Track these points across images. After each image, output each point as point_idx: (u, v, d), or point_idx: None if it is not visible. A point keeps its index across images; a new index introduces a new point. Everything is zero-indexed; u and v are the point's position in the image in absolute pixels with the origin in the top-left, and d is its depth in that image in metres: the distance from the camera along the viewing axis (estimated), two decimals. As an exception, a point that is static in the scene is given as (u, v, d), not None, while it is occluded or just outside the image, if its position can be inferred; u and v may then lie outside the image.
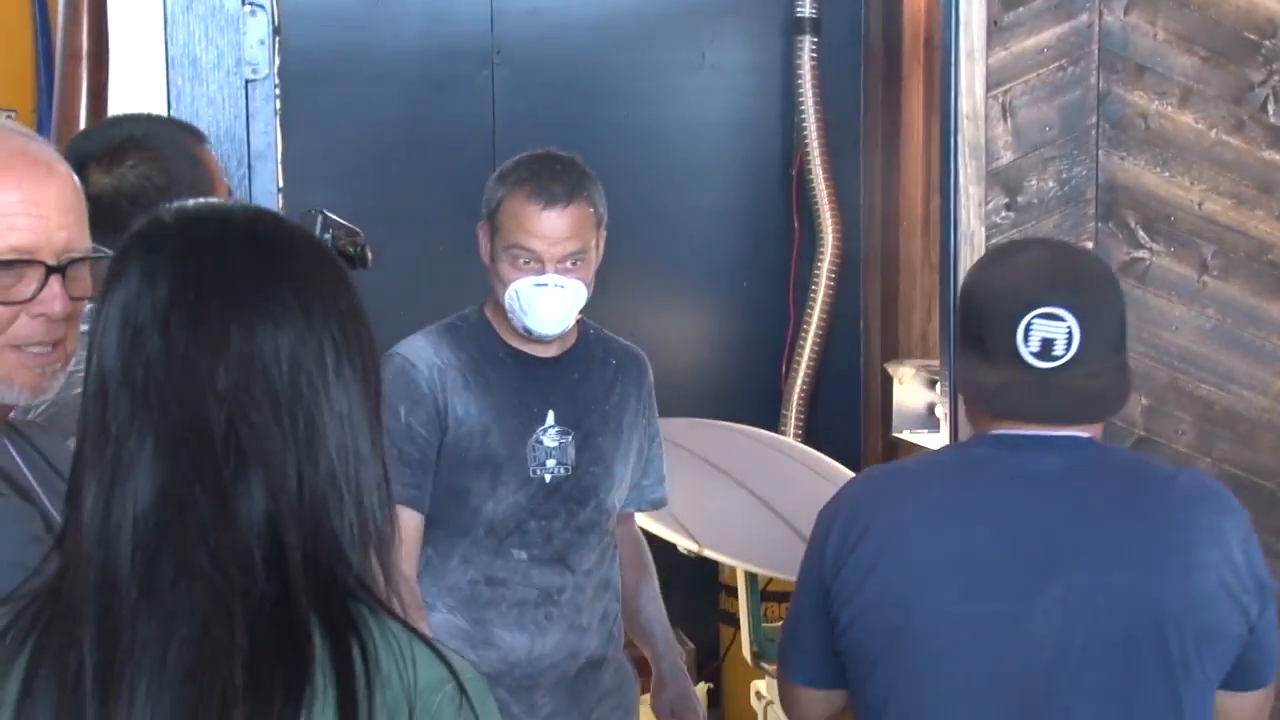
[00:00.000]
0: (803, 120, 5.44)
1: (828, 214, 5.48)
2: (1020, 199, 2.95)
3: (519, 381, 2.73)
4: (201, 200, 1.29)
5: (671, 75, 5.46)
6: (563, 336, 2.75)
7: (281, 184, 2.74)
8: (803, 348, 5.52)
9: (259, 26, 2.64)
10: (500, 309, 2.72)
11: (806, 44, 5.41)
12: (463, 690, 1.16)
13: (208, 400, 1.15)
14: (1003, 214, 2.94)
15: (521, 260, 2.64)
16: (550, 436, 2.71)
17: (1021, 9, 2.93)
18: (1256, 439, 3.00)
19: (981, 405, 2.04)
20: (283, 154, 2.76)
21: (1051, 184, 2.95)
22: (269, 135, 2.68)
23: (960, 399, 2.15)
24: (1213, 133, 2.98)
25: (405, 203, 5.24)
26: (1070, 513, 1.98)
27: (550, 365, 2.76)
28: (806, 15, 5.39)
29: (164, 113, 2.62)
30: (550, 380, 2.75)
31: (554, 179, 2.65)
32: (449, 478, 2.67)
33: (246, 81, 2.65)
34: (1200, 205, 2.98)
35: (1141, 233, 2.99)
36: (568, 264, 2.64)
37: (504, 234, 2.66)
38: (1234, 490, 2.08)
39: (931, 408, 4.85)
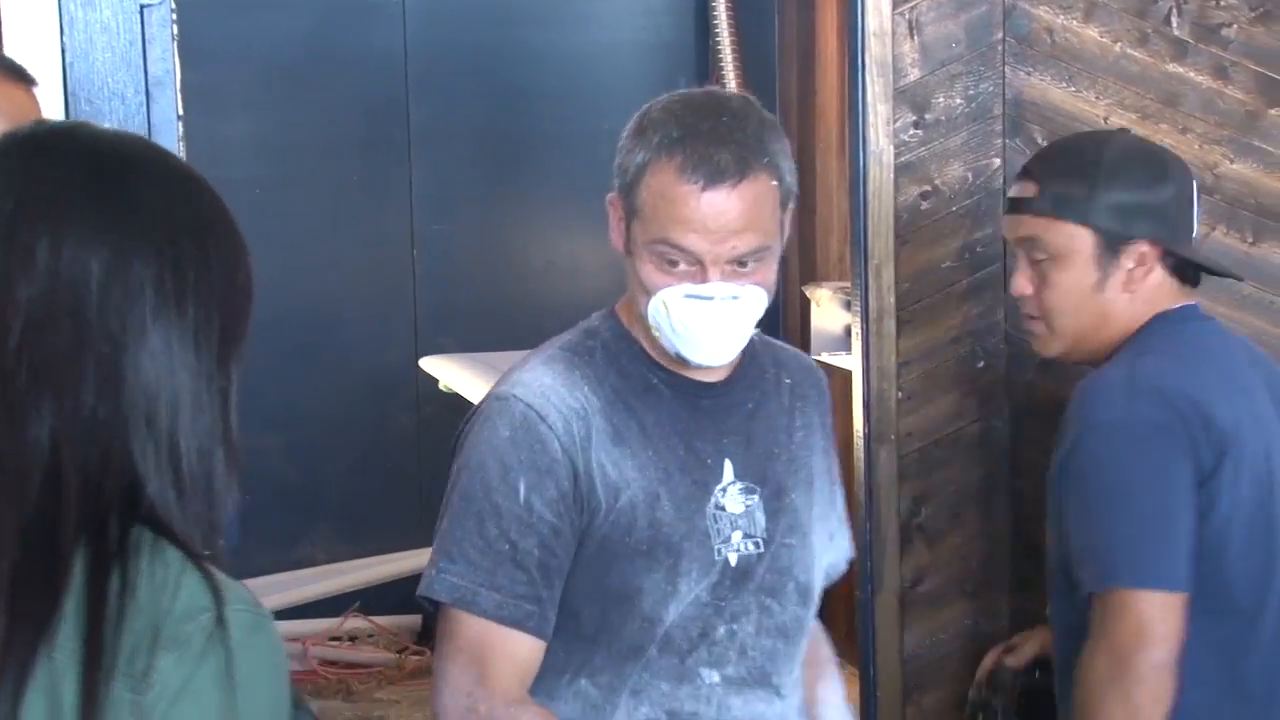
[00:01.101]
0: (717, 42, 5.42)
1: (744, 136, 5.47)
2: (928, 116, 2.95)
3: (683, 419, 1.93)
4: (65, 120, 1.27)
5: (583, -2, 5.42)
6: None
7: (181, 112, 2.70)
8: (721, 271, 5.53)
9: (152, -51, 2.59)
10: (641, 317, 1.91)
11: (719, -36, 5.39)
12: (220, 620, 1.11)
13: (7, 310, 1.12)
14: (911, 132, 2.94)
15: (671, 261, 1.83)
16: (733, 498, 1.94)
17: (926, -76, 2.92)
18: (1163, 351, 3.04)
19: (1195, 278, 2.32)
20: (183, 81, 2.71)
21: (959, 101, 2.96)
22: (166, 62, 2.63)
23: (1137, 280, 2.28)
24: (1117, 46, 2.99)
25: (314, 131, 5.18)
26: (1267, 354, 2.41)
27: (717, 393, 1.97)
28: (719, -65, 5.37)
29: (56, 41, 2.57)
30: (720, 415, 1.96)
31: (719, 141, 1.81)
32: (608, 576, 1.88)
33: (141, 6, 2.59)
34: (1106, 120, 2.99)
35: (1048, 148, 3.00)
36: (740, 265, 1.83)
37: (647, 221, 1.84)
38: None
39: (849, 330, 4.87)
